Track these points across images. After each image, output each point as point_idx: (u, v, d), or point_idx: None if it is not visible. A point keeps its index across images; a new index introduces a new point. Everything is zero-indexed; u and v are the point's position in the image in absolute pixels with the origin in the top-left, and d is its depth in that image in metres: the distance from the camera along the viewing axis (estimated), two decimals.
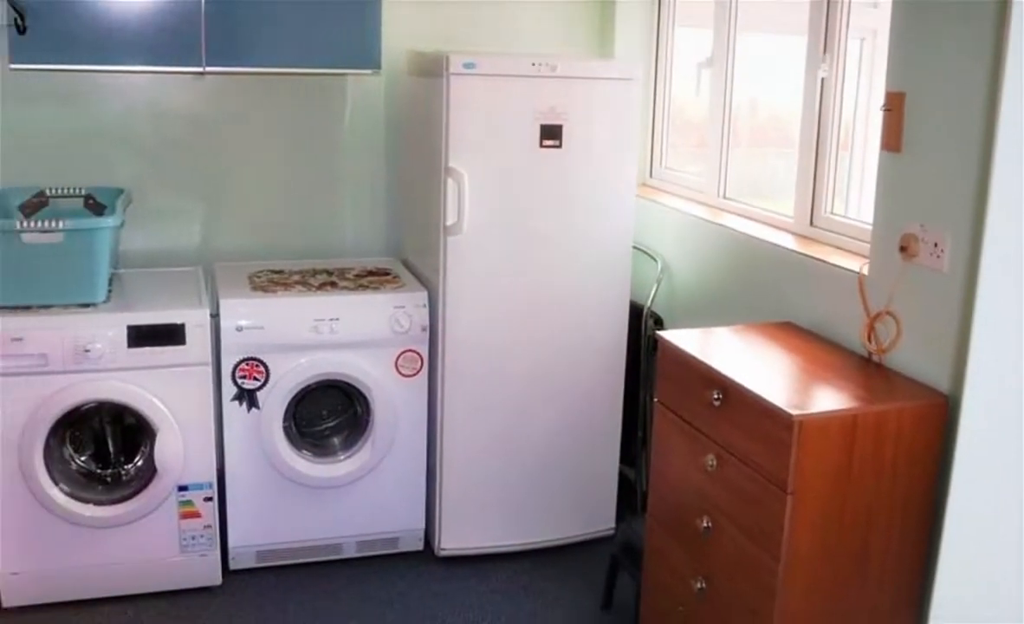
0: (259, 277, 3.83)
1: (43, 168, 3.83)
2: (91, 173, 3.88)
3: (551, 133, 3.58)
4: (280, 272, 3.92)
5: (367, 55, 3.79)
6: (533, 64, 3.53)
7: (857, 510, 2.41)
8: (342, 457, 3.75)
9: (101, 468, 3.59)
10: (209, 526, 3.55)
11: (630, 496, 4.10)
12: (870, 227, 2.80)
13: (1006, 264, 1.69)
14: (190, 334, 3.39)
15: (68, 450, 3.53)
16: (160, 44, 3.55)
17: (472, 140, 3.52)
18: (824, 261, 3.04)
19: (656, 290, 3.96)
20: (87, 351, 3.28)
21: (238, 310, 3.54)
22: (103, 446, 3.61)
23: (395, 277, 3.92)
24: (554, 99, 3.56)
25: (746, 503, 2.51)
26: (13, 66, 3.49)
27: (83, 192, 3.78)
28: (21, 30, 3.39)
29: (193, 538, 3.54)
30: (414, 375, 3.73)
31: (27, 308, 3.32)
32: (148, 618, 3.46)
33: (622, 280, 3.82)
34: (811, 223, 3.37)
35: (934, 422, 2.43)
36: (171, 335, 3.38)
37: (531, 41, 4.32)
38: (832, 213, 3.31)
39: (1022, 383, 1.76)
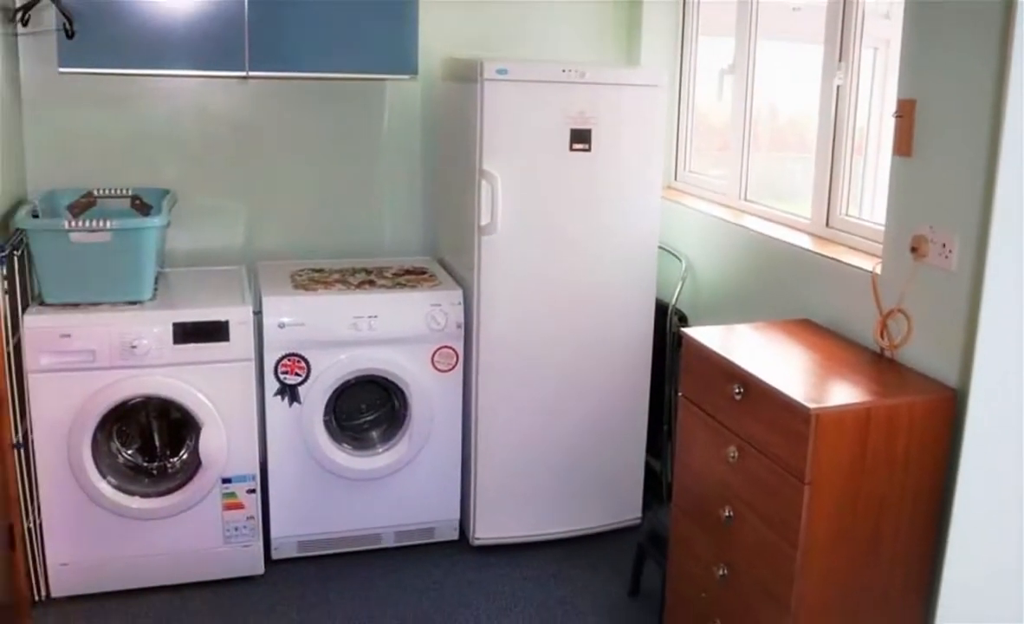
0: (300, 276, 3.65)
1: (91, 169, 3.64)
2: (138, 174, 3.69)
3: (581, 137, 3.42)
4: (321, 271, 3.73)
5: (405, 61, 3.59)
6: (563, 71, 3.37)
7: (870, 499, 2.34)
8: (380, 450, 3.57)
9: (147, 461, 3.41)
10: (252, 517, 3.36)
11: (656, 486, 3.93)
12: (883, 228, 2.70)
13: (1010, 264, 1.62)
14: (234, 331, 3.22)
15: (115, 444, 3.35)
16: (205, 49, 3.37)
17: (505, 143, 3.36)
18: (839, 261, 2.93)
19: (680, 288, 3.79)
20: (134, 347, 3.11)
21: (280, 308, 3.35)
22: (149, 440, 3.43)
23: (431, 276, 3.73)
24: (583, 104, 3.40)
25: (766, 493, 2.44)
26: (62, 70, 3.29)
27: (130, 193, 3.59)
28: (70, 35, 3.21)
29: (236, 529, 3.35)
30: (449, 370, 3.55)
31: (76, 305, 3.15)
32: (193, 607, 3.28)
33: (648, 279, 3.64)
34: (827, 224, 3.24)
35: (943, 415, 2.36)
36: (215, 332, 3.21)
37: (561, 48, 4.13)
38: (847, 215, 3.18)
39: None
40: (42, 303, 3.16)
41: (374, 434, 3.65)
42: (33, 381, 3.07)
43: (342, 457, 3.49)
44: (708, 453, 2.71)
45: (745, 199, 3.73)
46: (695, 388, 2.80)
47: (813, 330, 2.89)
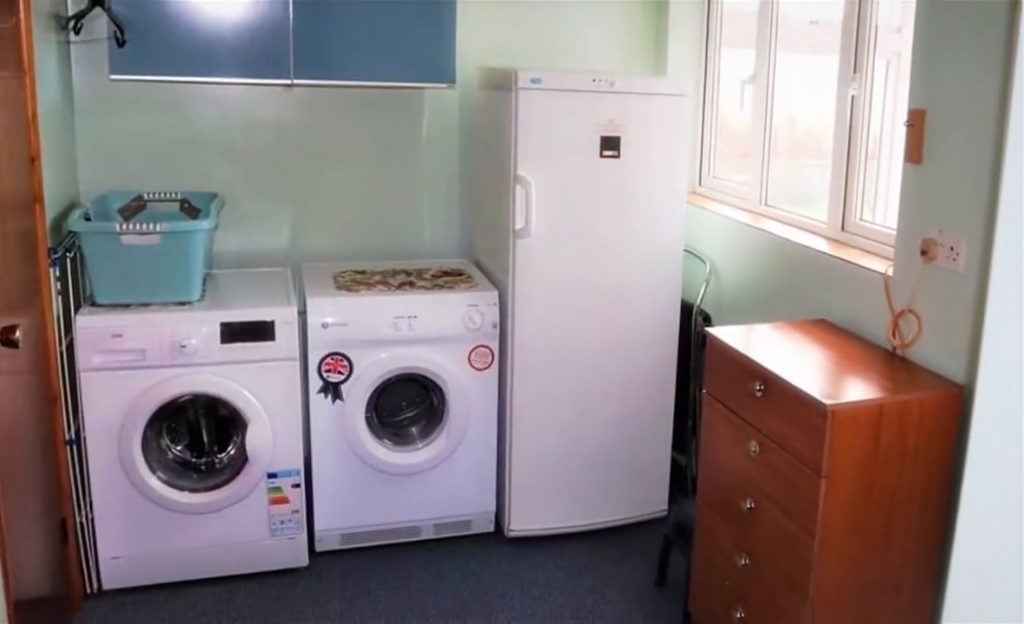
0: (343, 277, 3.44)
1: (141, 173, 3.44)
2: (186, 178, 3.49)
3: (610, 144, 3.25)
4: (362, 272, 3.53)
5: (443, 70, 3.41)
6: (594, 80, 3.20)
7: (883, 491, 2.28)
8: (420, 445, 3.36)
9: (196, 457, 3.20)
10: (297, 511, 3.17)
11: (681, 480, 3.73)
12: (895, 232, 2.61)
13: (1014, 266, 1.57)
14: (279, 331, 3.03)
15: (165, 440, 3.15)
16: (251, 57, 3.18)
17: (538, 150, 3.18)
18: (854, 263, 2.82)
19: (705, 290, 3.61)
20: (183, 347, 2.92)
21: (324, 308, 3.16)
22: (198, 436, 3.22)
23: (468, 277, 3.52)
24: (613, 112, 3.23)
25: (785, 485, 2.37)
26: (113, 77, 3.10)
27: (179, 196, 3.39)
28: (121, 43, 3.03)
29: (282, 522, 3.16)
30: (486, 369, 3.34)
31: (126, 306, 2.96)
32: (240, 598, 3.08)
33: (674, 280, 3.45)
34: (842, 228, 3.09)
35: (951, 411, 2.31)
36: (261, 332, 3.01)
37: (592, 59, 3.91)
38: (861, 219, 3.04)
39: None
40: (94, 304, 2.97)
41: (414, 430, 3.45)
42: (85, 380, 2.88)
43: (383, 452, 3.29)
44: (731, 448, 2.62)
45: (765, 204, 3.57)
46: (718, 385, 2.69)
47: (829, 330, 2.79)
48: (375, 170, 3.76)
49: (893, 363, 2.49)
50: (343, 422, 3.22)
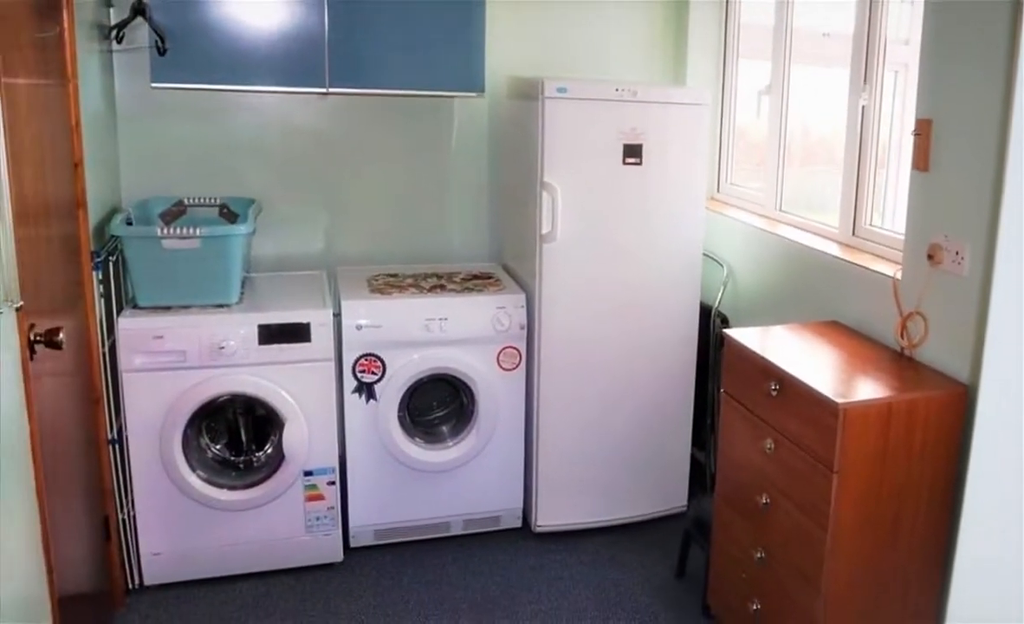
0: (376, 280, 3.30)
1: (181, 179, 3.30)
2: (225, 184, 3.34)
3: (633, 151, 3.11)
4: (395, 275, 3.38)
5: (472, 79, 3.24)
6: (617, 90, 3.06)
7: (892, 487, 2.22)
8: (450, 444, 3.22)
9: (234, 456, 3.06)
10: (332, 508, 3.02)
11: (700, 476, 3.59)
12: (903, 237, 2.53)
13: (1015, 270, 1.55)
14: (315, 332, 2.89)
15: (204, 439, 3.00)
16: (288, 67, 3.03)
17: (564, 157, 3.05)
18: (864, 267, 2.73)
19: (723, 293, 3.46)
20: (222, 348, 2.78)
21: (358, 310, 3.01)
22: (236, 435, 3.08)
23: (497, 280, 3.36)
24: (635, 121, 3.09)
25: (799, 481, 2.31)
26: (155, 85, 2.95)
27: (218, 202, 3.22)
28: (162, 52, 2.88)
29: (318, 519, 3.01)
30: (513, 369, 3.19)
31: (167, 308, 2.82)
32: (277, 593, 2.94)
33: (693, 283, 3.32)
34: (853, 233, 2.98)
35: (956, 409, 2.24)
36: (298, 333, 2.87)
37: (615, 69, 3.75)
38: (871, 225, 2.94)
39: None
40: (135, 306, 2.83)
41: (444, 429, 3.30)
42: (127, 380, 2.75)
43: (415, 450, 3.15)
44: (747, 445, 2.54)
45: (780, 210, 3.43)
46: (736, 385, 2.61)
47: (841, 331, 2.71)
48: (407, 176, 3.60)
49: (901, 363, 2.42)
50: (376, 421, 3.07)
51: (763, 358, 2.44)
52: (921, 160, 2.37)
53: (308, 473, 2.97)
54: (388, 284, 3.24)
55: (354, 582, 3.02)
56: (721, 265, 3.50)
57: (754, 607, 2.51)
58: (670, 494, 3.46)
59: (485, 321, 3.12)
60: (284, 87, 3.15)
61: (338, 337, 2.99)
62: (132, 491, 2.83)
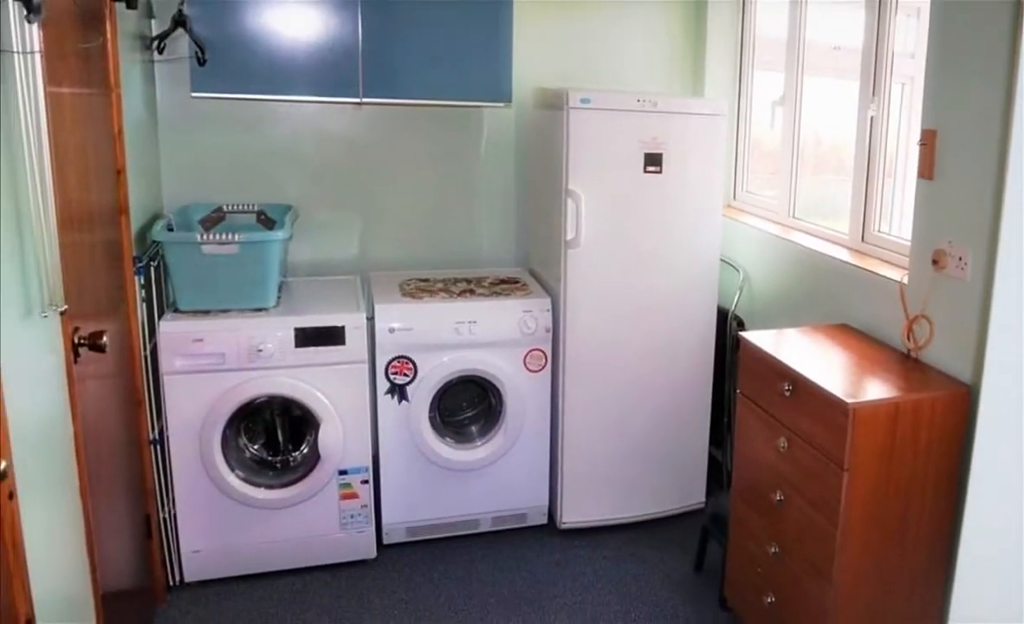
0: (408, 285, 3.16)
1: (221, 186, 3.16)
2: (263, 191, 3.21)
3: (653, 160, 2.98)
4: (426, 280, 3.24)
5: (500, 90, 3.10)
6: (638, 100, 2.93)
7: (899, 484, 2.16)
8: (479, 443, 3.08)
9: (271, 456, 2.92)
10: (365, 506, 2.89)
11: (717, 474, 3.45)
12: (909, 243, 2.46)
13: (1015, 275, 1.50)
14: (349, 335, 2.75)
15: (243, 440, 2.87)
16: (323, 77, 2.89)
17: (588, 165, 2.92)
18: (873, 272, 2.65)
19: (739, 296, 3.32)
20: (260, 351, 2.65)
21: (390, 314, 2.88)
22: (273, 436, 2.94)
23: (523, 285, 3.22)
24: (656, 131, 2.96)
25: (811, 479, 2.24)
26: (194, 94, 2.81)
27: (256, 208, 3.10)
28: (201, 62, 2.74)
29: (352, 516, 2.88)
30: (539, 371, 3.05)
31: (207, 312, 2.69)
32: (313, 589, 2.81)
33: (711, 288, 3.18)
34: (862, 239, 2.88)
35: (959, 409, 2.19)
36: (332, 336, 2.74)
37: (636, 80, 3.60)
38: (879, 231, 2.85)
39: None
40: (176, 310, 2.71)
41: (473, 429, 3.15)
42: (168, 382, 2.62)
43: (445, 450, 3.01)
44: (762, 444, 2.47)
45: (793, 217, 3.30)
46: (751, 386, 2.53)
47: (851, 334, 2.63)
48: (437, 183, 3.46)
49: (907, 364, 2.36)
50: (408, 422, 2.94)
51: (777, 360, 2.38)
52: (926, 169, 2.31)
53: (343, 472, 2.83)
54: (419, 288, 3.11)
55: (387, 578, 2.88)
56: (737, 270, 3.37)
57: (769, 600, 2.43)
58: (689, 491, 3.32)
59: (512, 324, 2.99)
60: (319, 97, 3.01)
61: (371, 340, 2.85)
62: (173, 490, 2.70)
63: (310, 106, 3.23)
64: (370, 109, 3.29)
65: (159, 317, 2.65)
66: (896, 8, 2.72)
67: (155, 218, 2.88)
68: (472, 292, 3.09)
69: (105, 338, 2.00)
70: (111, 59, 2.34)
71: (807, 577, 2.25)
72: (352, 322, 2.76)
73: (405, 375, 2.91)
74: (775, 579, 2.41)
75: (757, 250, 3.29)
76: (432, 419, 3.00)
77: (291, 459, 2.90)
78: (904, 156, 2.83)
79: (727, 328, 3.32)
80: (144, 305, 2.56)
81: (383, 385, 2.90)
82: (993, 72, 2.07)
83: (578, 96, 2.88)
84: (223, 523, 2.75)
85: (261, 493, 2.76)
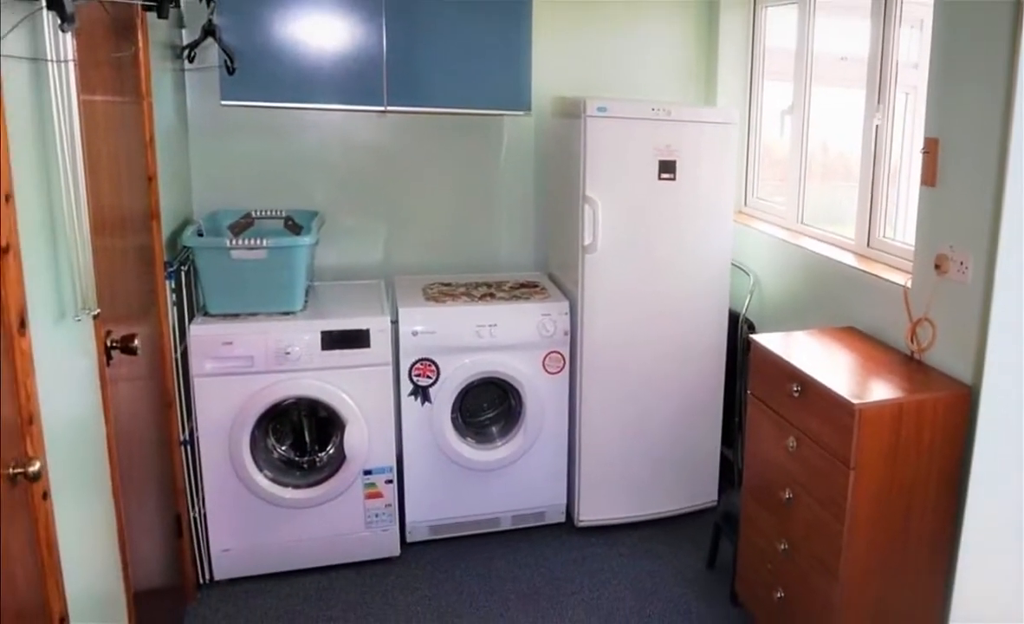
0: (431, 289, 3.06)
1: (249, 192, 3.06)
2: (290, 197, 3.11)
3: (667, 167, 2.90)
4: (448, 284, 3.14)
5: (520, 99, 3.01)
6: (652, 109, 2.85)
7: (902, 482, 2.12)
8: (499, 443, 2.98)
9: (298, 456, 2.83)
10: (390, 505, 2.79)
11: (729, 473, 3.35)
12: (913, 248, 2.41)
13: (1014, 279, 1.49)
14: (374, 338, 2.66)
15: (271, 441, 2.78)
16: (349, 86, 2.80)
17: (604, 172, 2.84)
18: (878, 276, 2.60)
19: (749, 300, 3.23)
20: (287, 353, 2.56)
21: (414, 317, 2.79)
22: (300, 437, 2.85)
23: (542, 289, 3.12)
24: (670, 138, 2.87)
25: (819, 477, 2.19)
26: (224, 102, 2.72)
27: (283, 214, 3.00)
28: (231, 71, 2.66)
29: (376, 515, 2.78)
30: (558, 372, 2.95)
31: (236, 316, 2.61)
32: (339, 586, 2.72)
33: (722, 291, 3.08)
34: (868, 245, 2.81)
35: (960, 409, 2.14)
36: (358, 339, 2.65)
37: (650, 89, 3.50)
38: (884, 237, 2.78)
39: None
40: (206, 314, 2.61)
41: (494, 429, 3.05)
42: (198, 384, 2.53)
43: (467, 450, 2.91)
44: (772, 443, 2.41)
45: (802, 222, 3.20)
46: (761, 387, 2.47)
47: (857, 336, 2.57)
48: (459, 190, 3.35)
49: (911, 366, 2.31)
50: (431, 422, 2.84)
51: (786, 362, 2.32)
52: (929, 176, 2.26)
53: (367, 472, 2.74)
54: (442, 292, 3.01)
55: (410, 575, 2.79)
56: (748, 274, 3.27)
57: (778, 595, 2.38)
58: (701, 490, 3.23)
59: (531, 327, 2.89)
60: (345, 105, 2.92)
61: (395, 343, 2.76)
62: (203, 490, 2.61)
63: (336, 114, 3.13)
64: (394, 117, 3.19)
65: (189, 320, 2.56)
66: (900, 20, 2.65)
67: (185, 224, 2.79)
68: (493, 296, 3.00)
69: (137, 341, 1.93)
70: (143, 68, 2.25)
71: (815, 573, 2.20)
72: (377, 325, 2.67)
73: (428, 377, 2.81)
74: (784, 575, 2.36)
75: (767, 255, 3.19)
76: (454, 420, 2.91)
77: (317, 459, 2.81)
78: (908, 164, 2.76)
79: (738, 331, 3.22)
80: (175, 309, 2.47)
81: (406, 387, 2.81)
82: (993, 83, 2.03)
83: (595, 105, 2.79)
84: (252, 522, 2.66)
85: (288, 493, 2.67)
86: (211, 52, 2.78)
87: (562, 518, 3.14)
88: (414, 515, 2.94)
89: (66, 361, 1.62)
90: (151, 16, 2.27)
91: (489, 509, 3.01)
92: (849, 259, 2.77)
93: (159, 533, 2.30)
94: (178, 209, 2.75)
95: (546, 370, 2.95)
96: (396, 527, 2.84)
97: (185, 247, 2.59)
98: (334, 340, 2.63)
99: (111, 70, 2.00)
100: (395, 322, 2.77)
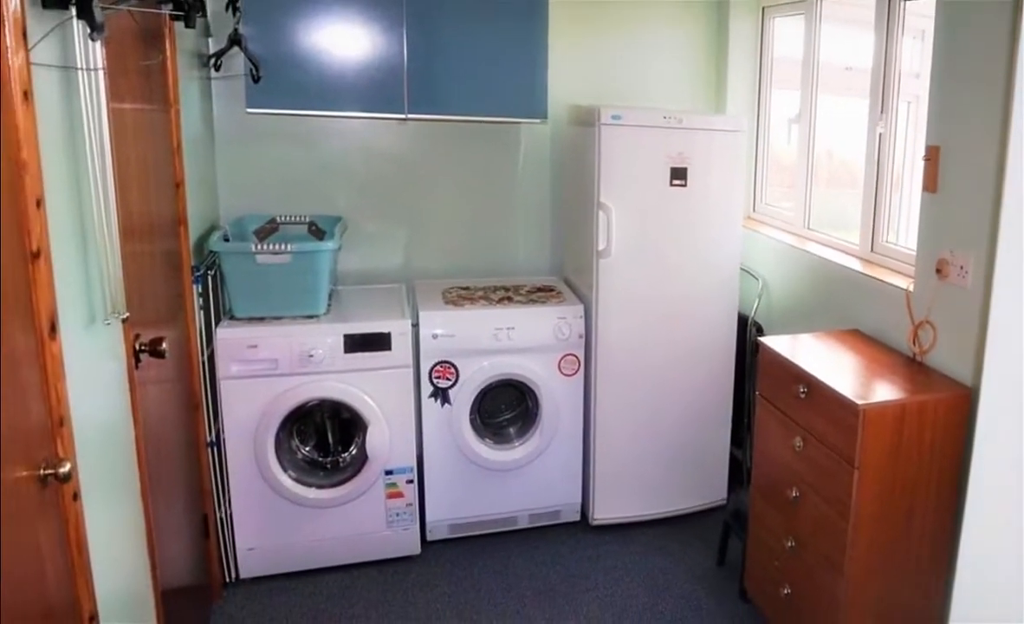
0: (450, 293, 2.98)
1: (274, 198, 2.98)
2: (314, 203, 3.03)
3: (679, 174, 2.82)
4: (467, 289, 3.05)
5: (537, 107, 2.94)
6: (664, 117, 2.78)
7: (905, 481, 2.08)
8: (516, 444, 2.90)
9: (322, 457, 2.74)
10: (410, 504, 2.71)
11: (738, 472, 3.26)
12: (915, 253, 2.36)
13: (1013, 283, 1.47)
14: (395, 341, 2.58)
15: (295, 442, 2.69)
16: (371, 94, 2.74)
17: (618, 179, 2.77)
18: (881, 280, 2.54)
19: (758, 303, 3.14)
20: (311, 356, 2.48)
21: (434, 321, 2.71)
22: (323, 438, 2.76)
23: (558, 293, 3.04)
24: (681, 146, 2.80)
25: (824, 476, 2.15)
26: (249, 110, 2.66)
27: (307, 219, 2.92)
28: (256, 79, 2.58)
29: (397, 515, 2.70)
30: (573, 374, 2.87)
31: (261, 319, 2.52)
32: (361, 584, 2.63)
33: (732, 295, 3.01)
34: (872, 249, 2.75)
35: (961, 410, 2.10)
36: (379, 342, 2.57)
37: (662, 97, 3.41)
38: (887, 241, 2.73)
39: None
40: (232, 317, 2.54)
41: (511, 430, 2.97)
42: (224, 387, 2.45)
43: (485, 450, 2.83)
44: (779, 443, 2.36)
45: (808, 228, 3.12)
46: (769, 388, 2.42)
47: (861, 339, 2.53)
48: (477, 196, 3.27)
49: (913, 368, 2.27)
50: (450, 423, 2.76)
51: (793, 363, 2.28)
52: (930, 183, 2.21)
53: (389, 472, 2.66)
54: (461, 296, 2.93)
55: (430, 573, 2.71)
56: (756, 278, 3.18)
57: (785, 591, 2.33)
58: (711, 489, 3.14)
59: (548, 330, 2.81)
60: (367, 113, 2.84)
61: (416, 345, 2.68)
62: (229, 491, 2.54)
63: (358, 122, 3.05)
64: (414, 125, 3.11)
65: (216, 324, 2.48)
66: (903, 31, 2.58)
67: (212, 229, 2.71)
68: (510, 300, 2.92)
69: (165, 344, 1.86)
70: (170, 76, 2.17)
71: (821, 569, 2.16)
72: (398, 329, 2.59)
73: (447, 379, 2.74)
74: (791, 572, 2.32)
75: (775, 259, 3.10)
76: (473, 421, 2.82)
77: (340, 460, 2.73)
78: (910, 171, 2.71)
79: (747, 333, 3.13)
80: (202, 312, 2.39)
81: (427, 389, 2.73)
82: (992, 92, 1.99)
83: (609, 113, 2.72)
84: (276, 522, 2.58)
85: (312, 493, 2.59)
86: (237, 61, 2.70)
87: (577, 517, 3.05)
88: (434, 514, 2.85)
89: (96, 364, 1.55)
90: (178, 25, 2.19)
91: (506, 508, 2.93)
92: (854, 264, 2.70)
93: (186, 533, 2.22)
94: (205, 215, 2.67)
95: (562, 372, 2.87)
96: (416, 526, 2.76)
97: (212, 252, 2.51)
98: (356, 343, 2.55)
99: (140, 78, 1.93)
100: (415, 325, 2.69)
